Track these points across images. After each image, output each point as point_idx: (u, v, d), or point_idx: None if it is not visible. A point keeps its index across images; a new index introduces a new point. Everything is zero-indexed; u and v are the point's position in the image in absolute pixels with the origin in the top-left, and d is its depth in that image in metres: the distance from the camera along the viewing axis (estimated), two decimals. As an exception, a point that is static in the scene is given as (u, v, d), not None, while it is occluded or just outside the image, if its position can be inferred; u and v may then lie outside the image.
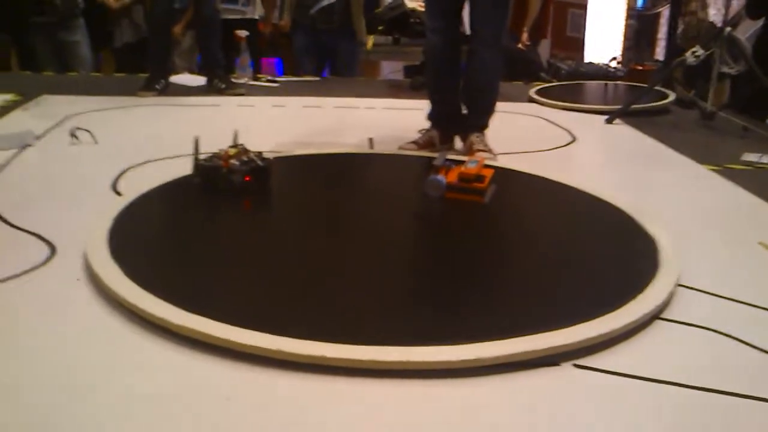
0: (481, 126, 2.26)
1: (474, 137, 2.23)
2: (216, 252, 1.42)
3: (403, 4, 3.83)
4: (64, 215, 1.62)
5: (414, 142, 2.29)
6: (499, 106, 2.59)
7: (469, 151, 2.19)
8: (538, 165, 2.09)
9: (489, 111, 2.28)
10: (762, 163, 2.25)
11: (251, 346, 1.02)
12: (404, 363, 1.00)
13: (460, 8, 2.23)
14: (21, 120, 2.61)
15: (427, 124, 2.36)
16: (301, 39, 3.88)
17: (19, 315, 1.16)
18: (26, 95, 3.02)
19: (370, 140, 2.39)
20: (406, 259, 1.42)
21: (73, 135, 2.27)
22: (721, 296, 1.29)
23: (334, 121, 2.82)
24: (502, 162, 2.10)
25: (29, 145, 2.21)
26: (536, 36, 4.84)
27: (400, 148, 2.27)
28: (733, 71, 2.72)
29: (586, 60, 4.74)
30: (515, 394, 0.98)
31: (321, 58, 3.91)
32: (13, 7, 3.90)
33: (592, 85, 3.79)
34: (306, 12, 3.75)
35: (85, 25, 4.07)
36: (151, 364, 1.02)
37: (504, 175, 1.91)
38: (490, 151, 2.19)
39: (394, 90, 3.55)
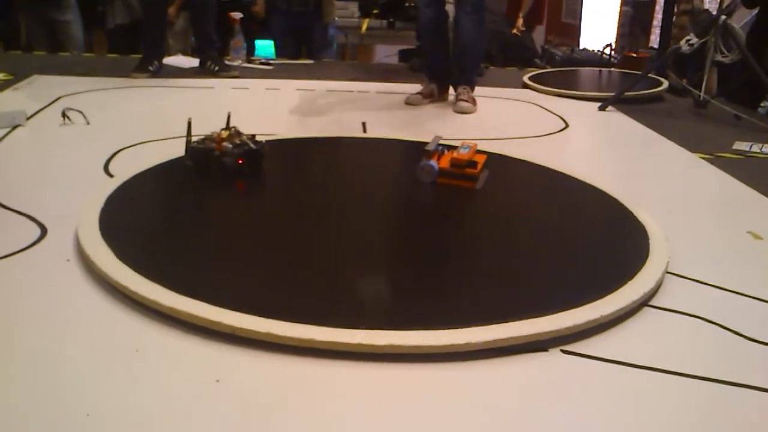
0: (466, 80, 2.74)
1: (461, 89, 2.72)
2: (207, 234, 1.42)
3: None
4: (55, 196, 1.61)
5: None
6: (493, 91, 2.62)
7: (456, 100, 2.70)
8: (530, 151, 2.09)
9: (472, 69, 2.82)
10: (753, 152, 2.26)
11: (241, 329, 1.02)
12: (393, 347, 1.01)
13: None
14: (12, 100, 2.59)
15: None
16: (278, 22, 3.88)
17: (8, 295, 1.16)
18: (17, 75, 2.99)
19: (363, 124, 2.39)
20: (397, 244, 1.43)
21: (64, 115, 2.26)
22: (709, 284, 1.30)
23: (327, 104, 2.81)
24: (495, 148, 2.10)
25: (20, 125, 2.20)
26: (531, 22, 4.82)
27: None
28: (727, 60, 2.72)
29: (582, 46, 4.72)
30: (504, 379, 0.98)
31: (298, 40, 3.91)
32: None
33: (586, 71, 3.79)
34: None
35: (77, 5, 4.03)
36: (141, 345, 1.02)
37: (496, 160, 1.92)
38: (472, 101, 2.67)
39: (388, 74, 3.53)
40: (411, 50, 3.87)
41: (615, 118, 2.76)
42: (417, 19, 3.70)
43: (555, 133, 2.48)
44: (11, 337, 1.04)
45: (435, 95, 2.81)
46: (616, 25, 5.37)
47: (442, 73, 2.83)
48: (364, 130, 2.35)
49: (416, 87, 2.86)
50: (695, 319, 1.17)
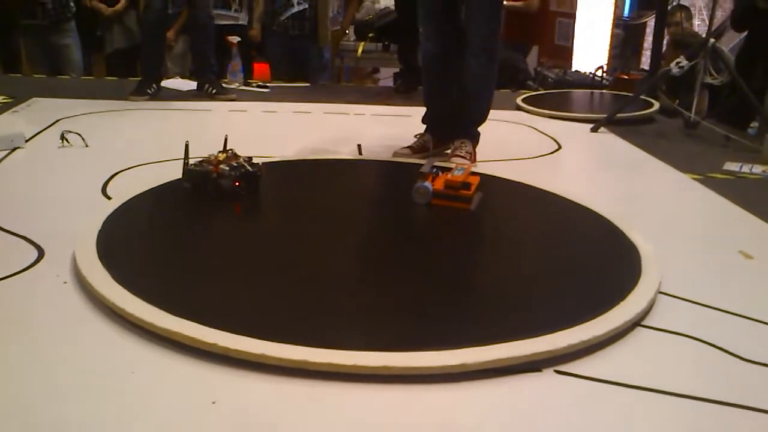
0: (466, 132, 2.27)
1: (458, 142, 2.24)
2: (204, 257, 1.43)
3: (393, 12, 3.87)
4: (53, 218, 1.62)
5: (408, 147, 2.30)
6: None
7: (451, 154, 2.22)
8: (523, 172, 2.11)
9: (476, 120, 2.30)
10: (743, 173, 2.28)
11: (236, 351, 1.03)
12: (387, 368, 1.01)
13: (454, 16, 2.20)
14: (11, 122, 2.61)
15: (422, 129, 2.39)
16: (275, 46, 3.94)
17: (4, 317, 1.17)
18: (17, 98, 3.02)
19: (359, 146, 2.41)
20: (392, 265, 1.44)
21: (63, 138, 2.27)
22: (701, 304, 1.31)
23: (323, 126, 2.84)
24: (489, 169, 2.12)
25: (19, 148, 2.22)
26: (526, 43, 4.89)
27: (395, 153, 2.28)
28: (716, 82, 2.76)
29: (574, 68, 4.78)
30: (498, 400, 0.99)
31: (294, 63, 3.96)
32: (0, 9, 3.90)
33: (578, 93, 3.83)
34: (278, 19, 3.80)
35: (77, 29, 4.07)
36: (137, 367, 1.03)
37: (490, 182, 1.94)
38: (469, 157, 2.20)
39: (383, 96, 3.57)
40: (396, 73, 3.92)
41: (607, 139, 2.79)
42: (399, 42, 3.77)
43: (548, 154, 2.51)
44: (7, 358, 1.04)
45: (429, 148, 2.30)
46: (607, 47, 5.45)
47: (442, 124, 2.33)
48: (360, 152, 2.37)
49: (412, 110, 2.88)
50: (687, 339, 1.18)
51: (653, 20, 3.90)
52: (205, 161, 1.75)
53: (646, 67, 4.35)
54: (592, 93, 3.78)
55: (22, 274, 1.32)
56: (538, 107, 3.24)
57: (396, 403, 0.97)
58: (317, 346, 1.03)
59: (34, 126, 2.50)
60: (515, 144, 2.61)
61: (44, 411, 0.92)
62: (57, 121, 2.61)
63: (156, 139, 2.48)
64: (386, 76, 4.74)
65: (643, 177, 2.31)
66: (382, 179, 2.18)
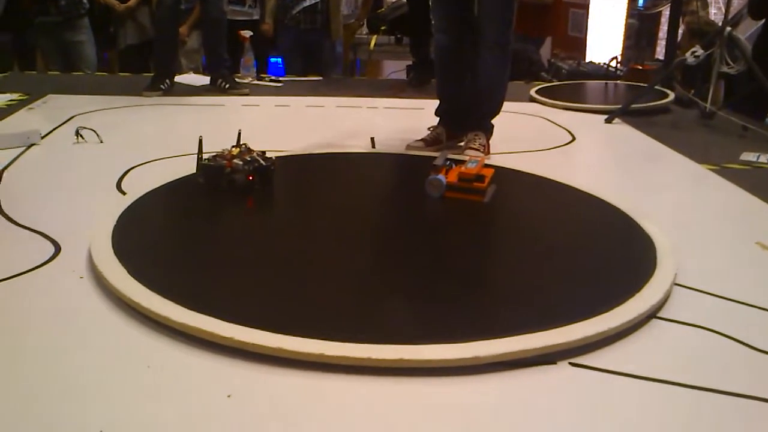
0: (481, 125, 2.28)
1: (472, 135, 2.25)
2: (218, 251, 1.44)
3: (405, 4, 3.85)
4: (69, 214, 1.64)
5: (422, 140, 2.30)
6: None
7: (464, 147, 2.22)
8: (538, 164, 2.10)
9: (490, 112, 2.31)
10: (760, 163, 2.25)
11: (252, 344, 1.03)
12: (402, 361, 1.01)
13: (467, 6, 2.18)
14: (27, 119, 2.64)
15: (435, 121, 2.39)
16: (287, 40, 3.94)
17: (22, 312, 1.18)
18: (32, 94, 3.05)
19: (372, 140, 2.41)
20: (405, 259, 1.44)
21: (78, 134, 2.29)
22: (717, 295, 1.30)
23: (336, 120, 2.83)
24: (503, 161, 2.11)
25: (35, 144, 2.24)
26: (540, 35, 4.85)
27: (408, 146, 2.28)
28: (732, 71, 2.72)
29: (588, 59, 4.74)
30: (512, 393, 0.99)
31: (307, 57, 3.96)
32: (15, 7, 3.93)
33: (593, 84, 3.80)
34: (289, 12, 3.81)
35: (90, 25, 4.10)
36: (153, 361, 1.04)
37: (504, 174, 1.93)
38: (482, 149, 2.20)
39: (395, 89, 3.56)
40: (409, 66, 3.91)
41: (622, 130, 2.77)
42: (411, 34, 3.76)
43: (562, 146, 2.49)
44: (26, 353, 1.06)
45: (442, 141, 2.31)
46: (621, 37, 5.38)
47: (455, 116, 2.33)
48: (373, 146, 2.37)
49: (424, 102, 2.88)
50: (704, 330, 1.17)
51: (668, 9, 3.85)
52: (219, 156, 1.75)
53: (661, 57, 4.30)
54: (606, 84, 3.75)
55: (38, 269, 1.34)
56: (552, 98, 3.21)
57: (411, 396, 0.97)
58: (332, 339, 1.04)
59: (50, 123, 2.53)
60: (529, 136, 2.60)
61: (60, 405, 0.93)
62: (72, 117, 2.63)
63: (170, 134, 2.49)
64: (399, 69, 4.72)
65: (658, 168, 2.29)
66: (396, 172, 2.18)
